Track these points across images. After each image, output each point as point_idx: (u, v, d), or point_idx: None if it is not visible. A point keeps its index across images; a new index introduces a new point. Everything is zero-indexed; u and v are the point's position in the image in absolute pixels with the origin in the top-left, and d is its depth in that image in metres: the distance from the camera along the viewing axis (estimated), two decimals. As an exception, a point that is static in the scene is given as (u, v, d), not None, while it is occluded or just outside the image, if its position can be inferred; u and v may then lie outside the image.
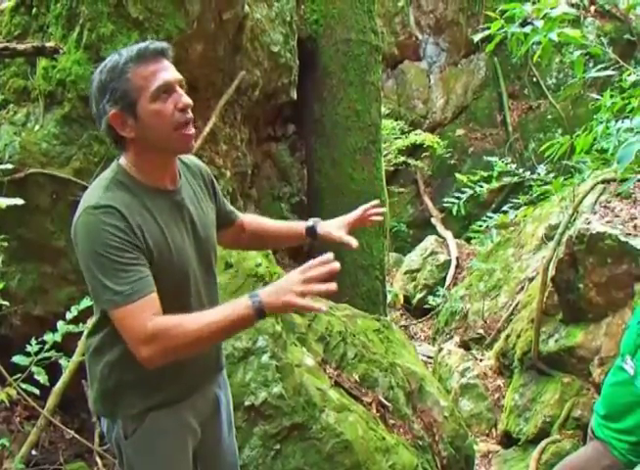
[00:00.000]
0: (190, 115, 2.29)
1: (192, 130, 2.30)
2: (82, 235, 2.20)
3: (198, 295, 2.48)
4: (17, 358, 3.97)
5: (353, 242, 2.74)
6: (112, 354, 2.42)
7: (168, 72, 2.27)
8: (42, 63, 4.56)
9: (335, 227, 2.89)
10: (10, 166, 4.31)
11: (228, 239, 2.93)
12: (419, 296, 10.89)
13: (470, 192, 7.62)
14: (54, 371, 4.07)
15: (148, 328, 2.13)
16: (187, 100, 2.28)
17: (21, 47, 4.33)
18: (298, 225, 2.94)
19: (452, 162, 13.56)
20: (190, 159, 2.65)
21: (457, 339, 8.43)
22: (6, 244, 4.35)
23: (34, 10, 4.68)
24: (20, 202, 3.68)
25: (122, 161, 2.36)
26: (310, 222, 2.91)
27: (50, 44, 4.36)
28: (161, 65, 2.27)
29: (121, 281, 2.15)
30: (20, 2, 4.72)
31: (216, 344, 2.64)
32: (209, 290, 2.56)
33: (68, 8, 4.49)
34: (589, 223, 5.55)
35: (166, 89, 2.25)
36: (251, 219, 2.98)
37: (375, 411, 4.50)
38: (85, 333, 3.28)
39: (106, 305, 2.20)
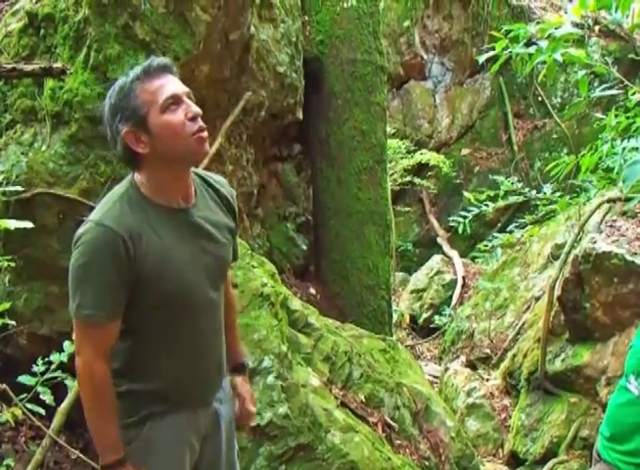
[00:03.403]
0: (201, 123, 2.34)
1: (206, 134, 2.35)
2: (78, 244, 2.31)
3: (204, 311, 2.52)
4: (23, 378, 3.97)
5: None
6: (119, 363, 2.47)
7: (175, 85, 2.34)
8: (49, 83, 4.59)
9: (247, 397, 2.93)
10: (20, 188, 4.34)
11: None
12: (425, 315, 10.86)
13: (475, 211, 7.64)
14: (59, 391, 4.07)
15: (92, 362, 2.36)
16: (196, 109, 2.34)
17: (28, 68, 4.35)
18: (235, 357, 2.92)
19: (458, 181, 13.55)
20: (219, 181, 2.69)
21: (463, 358, 8.40)
22: (13, 264, 4.36)
23: (42, 31, 4.71)
24: (28, 225, 3.70)
25: (136, 176, 2.41)
26: (241, 364, 2.97)
27: (57, 65, 4.37)
28: (167, 79, 2.34)
29: (89, 300, 2.30)
30: (28, 23, 4.76)
31: (217, 356, 2.67)
32: (213, 310, 2.59)
33: (76, 29, 4.52)
34: (595, 242, 5.55)
35: (175, 100, 2.30)
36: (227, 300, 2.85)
37: (381, 432, 4.49)
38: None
39: (70, 311, 2.36)
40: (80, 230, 2.32)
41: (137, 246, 2.29)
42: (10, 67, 4.29)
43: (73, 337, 2.51)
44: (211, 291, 2.54)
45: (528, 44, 4.37)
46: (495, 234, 10.03)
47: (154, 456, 2.49)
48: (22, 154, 4.60)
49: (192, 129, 2.31)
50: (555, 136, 13.62)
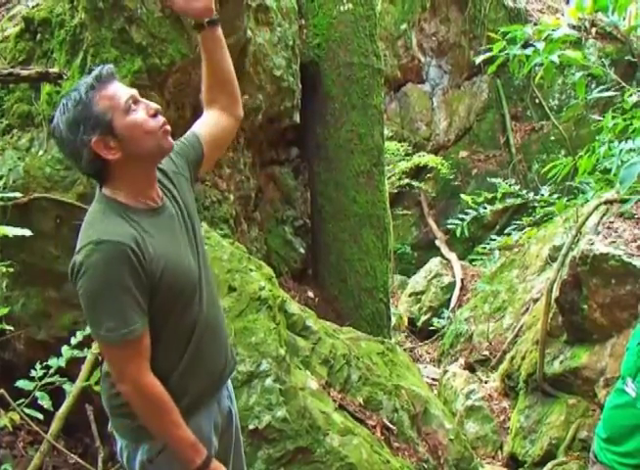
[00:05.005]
0: (163, 118, 2.40)
1: (169, 127, 2.41)
2: (83, 270, 2.24)
3: (206, 296, 2.57)
4: (21, 383, 3.97)
5: None
6: None
7: (126, 88, 2.41)
8: (46, 88, 4.60)
9: None
10: (17, 194, 4.35)
11: (218, 128, 3.09)
12: (424, 318, 10.86)
13: (474, 213, 7.64)
14: (58, 396, 4.07)
15: (141, 379, 2.33)
16: (155, 105, 2.40)
17: (25, 73, 4.36)
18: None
19: (456, 183, 13.53)
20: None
21: (462, 361, 8.40)
22: (10, 269, 4.36)
23: (39, 36, 4.72)
24: (27, 233, 3.70)
25: (106, 191, 2.41)
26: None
27: (54, 70, 4.39)
28: (118, 84, 2.39)
29: (121, 319, 2.26)
30: (24, 28, 4.76)
31: (223, 338, 2.73)
32: (212, 289, 2.67)
33: (72, 34, 4.52)
34: (592, 244, 5.54)
35: (134, 100, 2.36)
36: (206, 111, 3.04)
37: (379, 434, 4.48)
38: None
39: (98, 339, 2.35)
40: (79, 258, 2.25)
41: (144, 252, 2.29)
42: (6, 71, 4.30)
43: (106, 366, 2.52)
44: (204, 272, 2.59)
45: (526, 46, 4.37)
46: (493, 236, 10.02)
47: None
48: (19, 159, 4.61)
49: (158, 124, 2.36)
50: (552, 138, 13.63)
